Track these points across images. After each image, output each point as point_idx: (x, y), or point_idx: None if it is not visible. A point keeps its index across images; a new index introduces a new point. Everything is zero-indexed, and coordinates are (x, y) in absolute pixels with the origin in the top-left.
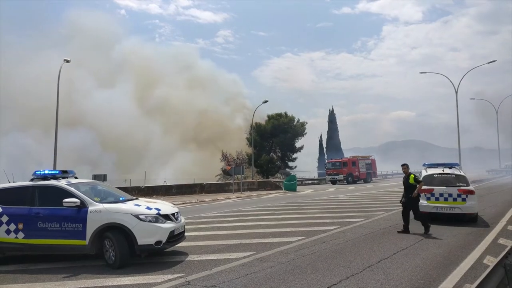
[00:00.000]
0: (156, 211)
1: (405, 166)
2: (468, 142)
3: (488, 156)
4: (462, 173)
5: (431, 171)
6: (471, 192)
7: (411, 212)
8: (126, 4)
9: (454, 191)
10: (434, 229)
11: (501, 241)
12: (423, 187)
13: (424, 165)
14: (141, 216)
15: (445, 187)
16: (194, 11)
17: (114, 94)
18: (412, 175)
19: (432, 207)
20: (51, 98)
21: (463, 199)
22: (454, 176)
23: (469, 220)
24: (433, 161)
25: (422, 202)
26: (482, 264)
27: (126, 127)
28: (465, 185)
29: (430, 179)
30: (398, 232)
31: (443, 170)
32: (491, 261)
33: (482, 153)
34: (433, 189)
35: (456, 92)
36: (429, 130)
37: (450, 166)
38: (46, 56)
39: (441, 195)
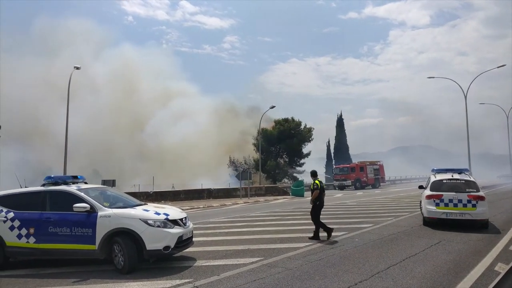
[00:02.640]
0: (165, 216)
1: (311, 174)
2: (478, 147)
3: (498, 161)
4: (472, 179)
5: (440, 176)
6: (481, 198)
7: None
8: (133, 11)
9: (464, 197)
10: (444, 235)
11: None
12: (432, 193)
13: (432, 170)
14: (149, 221)
15: (454, 193)
16: (201, 17)
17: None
18: (313, 182)
19: (441, 213)
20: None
21: (473, 205)
22: (463, 181)
23: (479, 226)
24: (442, 167)
25: (431, 208)
26: (493, 271)
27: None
28: (475, 191)
29: (439, 185)
30: (309, 238)
31: (452, 176)
32: (502, 268)
33: (492, 159)
34: (442, 195)
35: (465, 97)
36: (438, 135)
37: (460, 171)
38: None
39: (451, 201)
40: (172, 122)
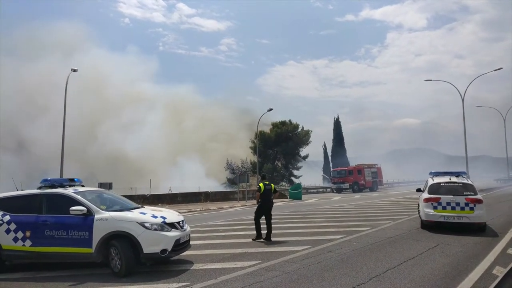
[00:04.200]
0: (162, 220)
1: (261, 177)
2: (476, 150)
3: (496, 164)
4: (469, 182)
5: (437, 179)
6: (479, 201)
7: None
8: (130, 13)
9: (461, 200)
10: (442, 238)
11: (510, 251)
12: (430, 196)
13: (430, 173)
14: (146, 225)
15: (452, 196)
16: (198, 19)
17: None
18: (259, 185)
19: (439, 216)
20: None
21: (471, 208)
22: (461, 184)
23: (477, 229)
24: (440, 169)
25: (429, 211)
26: (491, 275)
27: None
28: (473, 194)
29: (437, 188)
30: (253, 239)
31: (450, 179)
32: (500, 272)
33: (490, 162)
34: (440, 198)
35: (463, 100)
36: (435, 138)
37: (457, 174)
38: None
39: (448, 204)
40: (136, 128)
